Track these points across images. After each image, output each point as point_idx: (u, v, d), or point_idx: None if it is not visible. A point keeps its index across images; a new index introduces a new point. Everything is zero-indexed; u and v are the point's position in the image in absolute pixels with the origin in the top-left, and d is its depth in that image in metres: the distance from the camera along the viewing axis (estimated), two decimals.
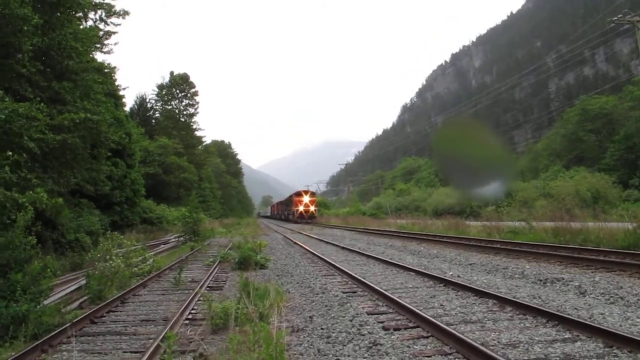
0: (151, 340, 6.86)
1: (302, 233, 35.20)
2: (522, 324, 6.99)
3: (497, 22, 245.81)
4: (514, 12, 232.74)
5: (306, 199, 62.22)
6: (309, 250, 20.31)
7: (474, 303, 8.59)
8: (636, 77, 63.00)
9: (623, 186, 46.20)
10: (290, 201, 69.16)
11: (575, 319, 6.69)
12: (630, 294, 8.58)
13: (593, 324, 6.36)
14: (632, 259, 12.28)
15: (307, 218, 60.09)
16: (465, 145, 8.79)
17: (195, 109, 75.54)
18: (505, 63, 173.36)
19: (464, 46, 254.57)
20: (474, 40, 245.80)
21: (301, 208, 61.30)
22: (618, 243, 14.75)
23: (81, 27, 20.03)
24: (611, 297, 8.55)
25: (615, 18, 28.88)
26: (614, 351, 5.58)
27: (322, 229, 41.30)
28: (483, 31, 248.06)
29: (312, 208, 61.88)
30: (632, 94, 55.90)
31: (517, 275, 11.48)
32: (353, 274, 12.12)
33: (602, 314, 7.32)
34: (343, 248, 21.17)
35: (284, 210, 78.63)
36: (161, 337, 6.60)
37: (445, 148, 9.57)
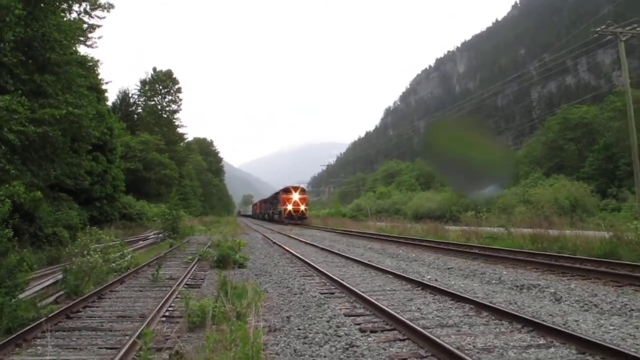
0: (127, 337, 6.81)
1: (282, 233, 35.17)
2: (497, 329, 7.06)
3: (482, 29, 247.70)
4: (499, 19, 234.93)
5: (296, 196, 55.51)
6: (288, 251, 20.30)
7: (450, 307, 8.66)
8: (617, 87, 63.86)
9: (601, 195, 46.87)
10: (276, 199, 62.83)
11: (550, 325, 6.78)
12: (604, 301, 8.70)
13: (567, 331, 6.44)
14: (607, 268, 12.47)
15: (296, 218, 54.14)
16: (461, 144, 8.83)
17: (178, 106, 75.10)
18: (489, 70, 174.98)
19: (448, 51, 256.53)
20: (459, 45, 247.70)
21: (290, 207, 54.89)
22: (594, 251, 14.95)
23: (65, 19, 19.85)
24: (586, 304, 8.67)
25: (599, 29, 29.27)
26: (587, 357, 5.67)
27: (302, 229, 41.30)
28: (468, 37, 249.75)
29: (302, 207, 55.47)
30: (613, 105, 56.68)
31: (494, 281, 11.58)
32: (331, 275, 12.15)
33: (576, 320, 7.42)
34: (322, 249, 21.19)
35: (269, 209, 72.36)
36: (137, 333, 6.56)
37: (440, 146, 9.60)
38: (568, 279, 11.38)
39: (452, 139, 8.91)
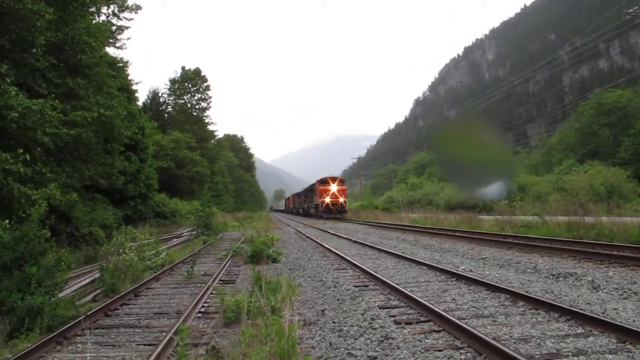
0: (164, 333, 6.91)
1: (314, 227, 35.23)
2: (534, 319, 6.97)
3: (511, 15, 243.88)
4: (527, 5, 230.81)
5: (334, 187, 50.06)
6: (321, 244, 20.32)
7: (486, 297, 8.57)
8: None
9: (638, 180, 45.77)
10: (312, 191, 58.13)
11: (588, 314, 6.66)
12: None
13: (606, 319, 6.32)
14: None
15: (335, 212, 49.32)
16: (463, 145, 8.75)
17: (208, 103, 75.74)
18: (518, 56, 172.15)
19: (477, 39, 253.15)
20: (487, 33, 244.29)
21: (328, 199, 49.50)
22: (632, 238, 14.65)
23: (94, 22, 20.16)
24: (625, 292, 8.49)
25: (632, 10, 28.56)
26: (627, 346, 5.56)
27: (334, 222, 41.29)
28: (496, 24, 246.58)
29: (341, 199, 50.01)
30: None
31: (529, 270, 11.43)
32: (365, 268, 12.12)
33: (615, 309, 7.28)
34: (355, 242, 21.17)
35: (303, 202, 68.04)
36: (174, 330, 6.66)
37: (445, 148, 9.52)
38: (606, 267, 11.17)
39: (456, 143, 8.85)
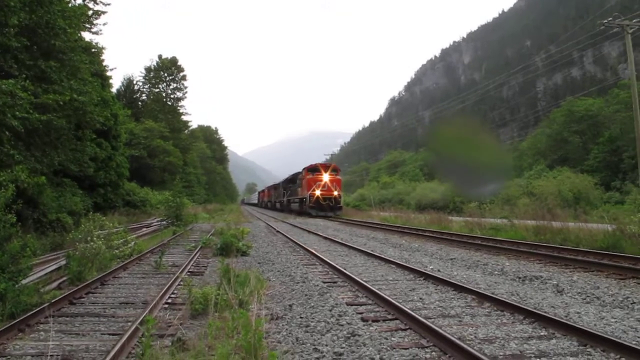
0: (130, 323, 6.83)
1: (285, 222, 35.21)
2: (499, 320, 7.07)
3: (488, 20, 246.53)
4: (505, 10, 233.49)
5: (326, 177, 41.19)
6: (291, 239, 20.33)
7: (453, 298, 8.67)
8: (623, 80, 63.59)
9: (605, 188, 46.80)
10: (295, 182, 49.56)
11: (552, 316, 6.78)
12: (607, 294, 8.70)
13: (569, 322, 6.44)
14: (609, 260, 12.46)
15: (327, 208, 40.97)
16: (464, 143, 8.82)
17: (183, 93, 75.28)
18: (494, 61, 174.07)
19: (454, 42, 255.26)
20: (465, 36, 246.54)
21: (318, 192, 40.60)
22: (597, 244, 14.94)
23: (70, 5, 19.81)
24: (588, 296, 8.67)
25: (605, 21, 29.05)
26: (588, 350, 5.67)
27: (305, 218, 41.34)
28: (474, 28, 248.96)
29: (335, 192, 41.38)
30: (618, 97, 56.48)
31: (496, 272, 11.59)
32: (334, 264, 12.17)
33: (578, 312, 7.42)
34: (325, 238, 21.22)
35: (282, 195, 58.43)
36: (140, 320, 6.59)
37: (442, 145, 9.58)
38: (570, 271, 11.38)
39: (456, 140, 8.91)
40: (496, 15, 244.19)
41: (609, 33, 34.79)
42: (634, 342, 5.70)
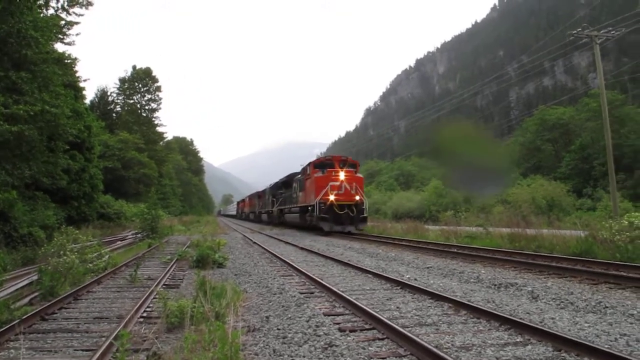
0: (104, 338, 6.72)
1: (262, 233, 35.08)
2: (475, 328, 7.11)
3: (462, 30, 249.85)
4: (478, 21, 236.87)
5: (342, 175, 29.57)
6: (268, 250, 20.23)
7: (429, 306, 8.70)
8: (593, 89, 64.79)
9: (577, 195, 47.60)
10: (294, 185, 37.15)
11: (527, 323, 6.84)
12: (580, 299, 8.82)
13: (544, 328, 6.51)
14: (582, 266, 12.65)
15: (347, 221, 29.06)
16: (469, 147, 8.92)
17: (158, 105, 74.72)
18: (468, 70, 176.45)
19: (428, 52, 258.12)
20: (439, 46, 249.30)
21: (333, 196, 28.82)
22: (570, 250, 15.15)
23: (42, 15, 19.59)
24: (562, 302, 8.77)
25: (575, 32, 29.62)
26: (562, 355, 5.74)
27: (282, 229, 41.16)
28: (448, 38, 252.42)
29: (358, 196, 29.47)
30: (588, 106, 57.53)
31: (472, 280, 11.66)
32: (311, 275, 12.13)
33: (552, 318, 7.51)
34: (302, 248, 21.16)
35: (270, 204, 48.11)
36: (114, 335, 6.49)
37: (450, 149, 9.65)
38: (545, 277, 11.51)
39: (462, 142, 9.03)
40: (469, 26, 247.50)
41: (579, 43, 35.45)
42: (606, 346, 5.81)
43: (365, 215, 29.79)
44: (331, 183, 28.93)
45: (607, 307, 8.18)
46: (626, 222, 15.62)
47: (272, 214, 47.49)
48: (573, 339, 5.96)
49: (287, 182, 41.73)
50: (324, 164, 31.74)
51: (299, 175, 35.63)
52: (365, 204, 30.05)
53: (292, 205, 37.63)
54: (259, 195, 60.85)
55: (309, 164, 32.58)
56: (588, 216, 29.48)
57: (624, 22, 32.62)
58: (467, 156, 8.96)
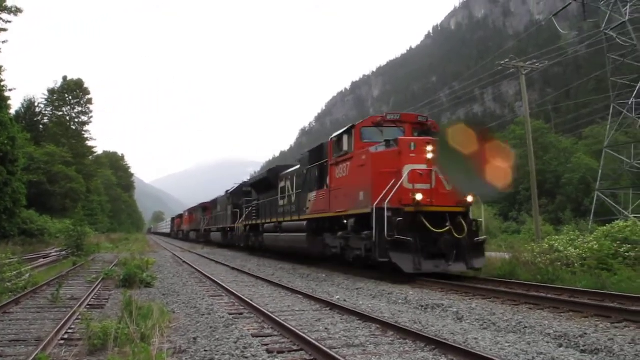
0: None
1: (192, 252, 34.51)
2: (402, 348, 7.23)
3: (397, 55, 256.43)
4: (412, 47, 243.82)
5: (429, 153, 14.18)
6: (197, 270, 19.95)
7: (358, 327, 8.78)
8: (519, 117, 67.63)
9: (503, 218, 49.35)
10: (298, 177, 22.34)
11: (452, 343, 7.02)
12: (502, 319, 9.12)
13: (467, 349, 6.70)
14: (505, 287, 13.13)
15: (450, 250, 14.50)
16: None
17: (89, 118, 72.80)
18: (402, 95, 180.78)
19: (364, 75, 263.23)
20: (374, 70, 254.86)
21: (419, 196, 14.12)
22: (496, 272, 15.68)
23: None
24: (485, 322, 9.05)
25: (503, 62, 30.98)
26: None
27: (213, 248, 40.62)
28: (383, 62, 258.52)
29: (469, 197, 15.09)
30: (514, 133, 60.00)
31: (400, 301, 11.86)
32: (241, 295, 12.04)
33: (475, 338, 7.73)
34: (233, 268, 20.96)
35: (232, 218, 35.62)
36: (32, 358, 6.24)
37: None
38: (470, 299, 11.84)
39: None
40: (404, 51, 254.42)
41: (507, 73, 37.04)
42: None
43: (482, 238, 15.51)
44: (409, 167, 14.45)
45: (526, 327, 8.50)
46: (547, 245, 16.39)
47: (233, 233, 35.33)
48: (494, 358, 6.16)
49: (265, 181, 27.89)
50: (382, 129, 16.39)
51: (298, 167, 22.81)
52: (482, 212, 16.15)
53: (280, 217, 23.80)
54: (205, 207, 50.14)
55: (349, 129, 17.01)
56: (513, 239, 30.57)
57: (548, 54, 34.42)
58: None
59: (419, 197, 14.11)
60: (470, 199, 15.08)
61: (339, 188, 17.20)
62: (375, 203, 14.19)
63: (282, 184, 24.66)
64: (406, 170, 14.41)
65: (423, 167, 14.44)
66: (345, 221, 16.90)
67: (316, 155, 20.58)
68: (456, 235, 14.44)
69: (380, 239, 14.05)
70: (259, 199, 29.08)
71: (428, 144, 14.38)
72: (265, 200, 27.23)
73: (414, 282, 14.87)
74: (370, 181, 14.89)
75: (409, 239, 13.90)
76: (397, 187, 14.15)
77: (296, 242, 21.50)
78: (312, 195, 19.85)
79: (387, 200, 13.96)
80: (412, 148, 14.66)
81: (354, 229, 16.20)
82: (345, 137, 17.07)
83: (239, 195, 34.73)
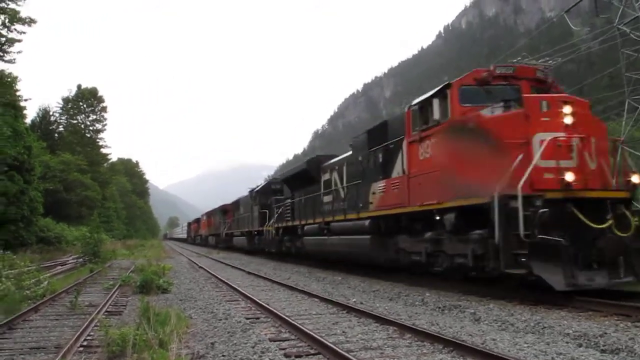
0: None
1: (208, 257, 34.65)
2: (419, 350, 7.19)
3: (409, 56, 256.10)
4: (424, 47, 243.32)
5: (568, 117, 10.17)
6: (214, 275, 20.02)
7: (375, 330, 8.76)
8: None
9: None
10: (354, 163, 18.12)
11: (470, 345, 6.97)
12: (520, 320, 9.03)
13: (485, 350, 6.65)
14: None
15: (612, 252, 9.98)
16: None
17: (103, 125, 73.40)
18: (414, 95, 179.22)
19: (376, 77, 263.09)
20: (386, 71, 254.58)
21: (569, 176, 9.84)
22: None
23: None
24: (503, 323, 8.96)
25: (514, 60, 30.79)
26: None
27: (228, 252, 40.74)
28: (395, 63, 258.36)
29: (635, 177, 10.90)
30: None
31: (417, 303, 11.81)
32: (257, 300, 12.06)
33: (494, 339, 7.66)
34: (249, 273, 21.02)
35: (259, 220, 31.30)
36: None
37: None
38: (487, 300, 11.74)
39: None
40: (416, 52, 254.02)
41: None
42: None
43: None
44: (542, 136, 10.40)
45: (545, 327, 8.41)
46: None
47: (262, 237, 31.04)
48: (513, 359, 6.11)
49: (302, 175, 24.34)
50: (489, 88, 12.31)
51: (349, 155, 19.27)
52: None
53: (325, 216, 20.36)
54: (225, 209, 46.39)
55: (442, 88, 13.04)
56: None
57: (560, 52, 34.21)
58: None
59: (569, 177, 9.90)
60: (636, 178, 10.95)
61: (426, 172, 12.81)
62: (499, 188, 9.95)
63: (325, 177, 21.30)
64: (537, 140, 10.32)
65: (561, 135, 10.30)
66: (437, 217, 12.69)
67: (378, 136, 16.44)
68: (618, 232, 10.15)
69: (507, 241, 9.98)
70: (293, 197, 25.33)
71: (566, 103, 10.49)
72: (303, 197, 23.45)
73: (430, 283, 14.48)
74: (488, 157, 10.74)
75: (561, 239, 9.49)
76: (530, 165, 10.00)
77: (354, 246, 17.53)
78: (378, 186, 15.64)
79: (520, 184, 9.69)
80: (545, 110, 10.60)
81: (452, 227, 11.94)
82: (435, 102, 12.59)
83: (266, 194, 31.06)
